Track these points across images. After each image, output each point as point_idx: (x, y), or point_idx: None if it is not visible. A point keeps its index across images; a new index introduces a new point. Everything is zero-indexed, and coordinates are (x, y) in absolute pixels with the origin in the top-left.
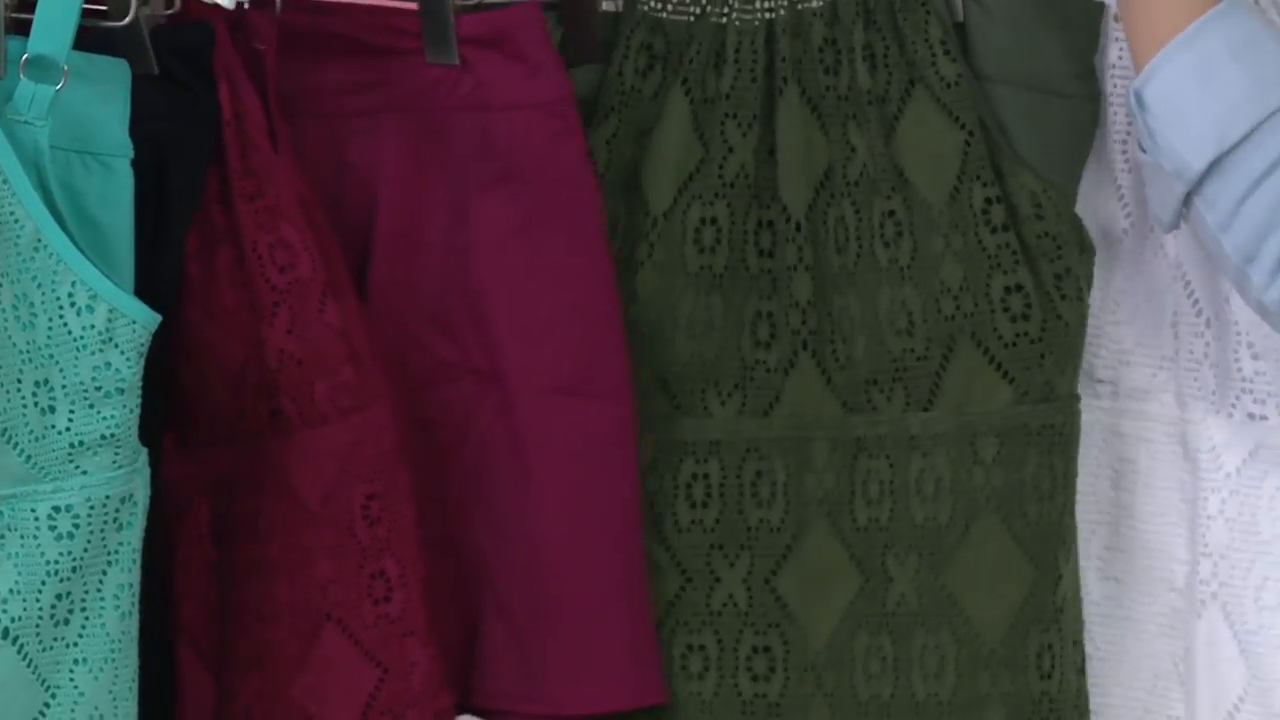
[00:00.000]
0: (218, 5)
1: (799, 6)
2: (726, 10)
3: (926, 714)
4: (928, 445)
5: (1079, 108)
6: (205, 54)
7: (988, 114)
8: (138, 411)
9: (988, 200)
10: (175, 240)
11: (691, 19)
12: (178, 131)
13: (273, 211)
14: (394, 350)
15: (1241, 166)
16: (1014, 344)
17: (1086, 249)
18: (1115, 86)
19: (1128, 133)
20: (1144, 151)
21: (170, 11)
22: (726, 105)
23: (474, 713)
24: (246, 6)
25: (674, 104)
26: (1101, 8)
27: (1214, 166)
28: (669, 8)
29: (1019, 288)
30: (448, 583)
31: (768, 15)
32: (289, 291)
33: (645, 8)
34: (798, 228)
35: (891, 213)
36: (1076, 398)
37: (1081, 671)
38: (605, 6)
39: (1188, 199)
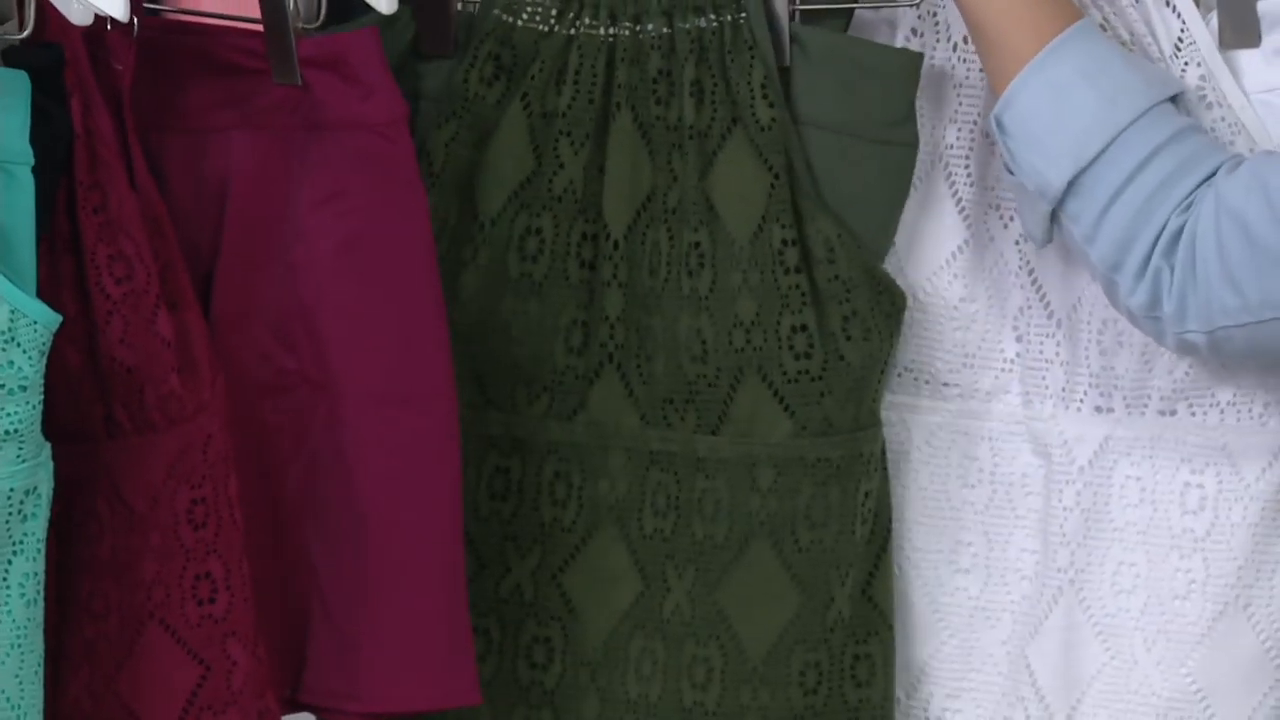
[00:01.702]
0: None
1: (639, 36)
2: (574, 28)
3: None
4: (712, 468)
5: (894, 153)
6: (56, 73)
7: (799, 157)
8: (40, 408)
9: (784, 242)
10: None
11: (540, 32)
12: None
13: (113, 225)
14: (239, 358)
15: (1099, 182)
16: (796, 380)
17: (885, 293)
18: (960, 105)
19: (969, 148)
20: (1010, 173)
21: (25, 34)
22: (562, 123)
23: (307, 709)
24: (110, 28)
25: (512, 116)
26: (920, 57)
27: (1073, 184)
28: (520, 19)
29: (804, 328)
30: (281, 584)
31: (610, 38)
32: (123, 302)
33: (496, 15)
34: (616, 246)
35: (697, 244)
36: (861, 430)
37: (866, 684)
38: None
39: (1054, 215)
